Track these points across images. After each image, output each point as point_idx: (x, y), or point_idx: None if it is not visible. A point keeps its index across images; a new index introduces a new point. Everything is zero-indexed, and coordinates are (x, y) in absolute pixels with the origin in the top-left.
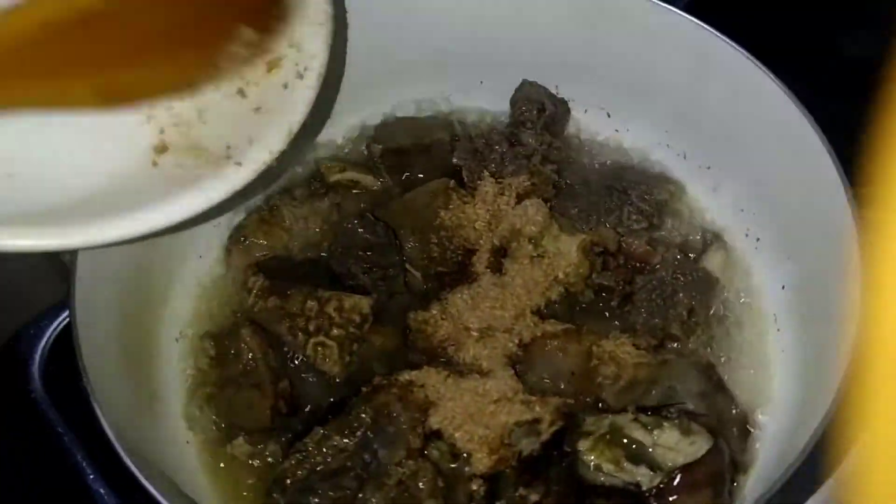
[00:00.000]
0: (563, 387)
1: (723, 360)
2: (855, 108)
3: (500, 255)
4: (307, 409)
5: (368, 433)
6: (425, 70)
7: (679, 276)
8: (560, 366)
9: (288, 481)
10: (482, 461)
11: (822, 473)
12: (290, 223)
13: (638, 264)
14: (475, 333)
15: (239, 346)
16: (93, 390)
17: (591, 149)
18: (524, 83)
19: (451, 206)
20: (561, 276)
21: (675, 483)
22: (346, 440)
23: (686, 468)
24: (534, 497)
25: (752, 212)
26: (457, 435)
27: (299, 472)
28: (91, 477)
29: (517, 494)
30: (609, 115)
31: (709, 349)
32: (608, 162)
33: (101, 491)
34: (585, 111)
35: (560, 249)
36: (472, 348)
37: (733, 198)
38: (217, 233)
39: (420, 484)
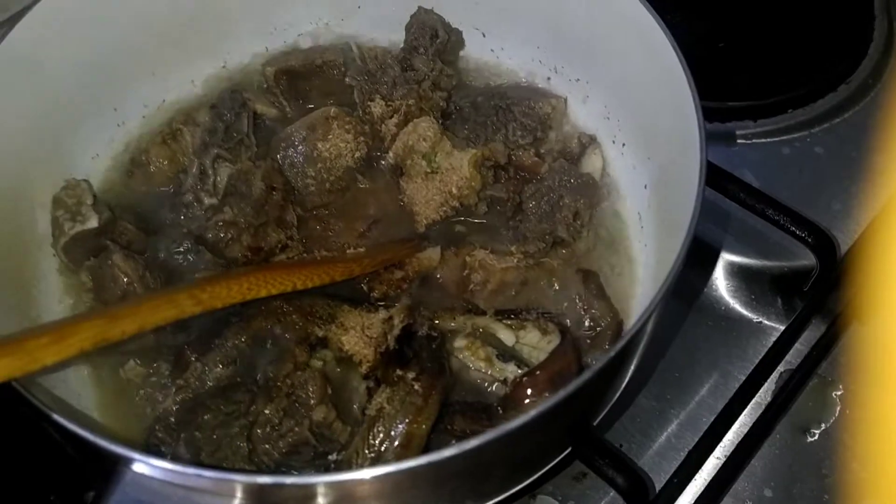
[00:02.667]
0: (441, 294)
1: (600, 262)
2: (712, 24)
3: (396, 174)
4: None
5: (250, 357)
6: None
7: (564, 182)
8: (443, 280)
9: (172, 419)
10: (368, 358)
11: None
12: (191, 147)
13: (527, 175)
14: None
15: (114, 273)
16: None
17: (479, 73)
18: (419, 10)
19: (329, 137)
20: (455, 190)
21: (519, 390)
22: (227, 370)
23: (528, 374)
24: (411, 374)
25: (618, 119)
26: (343, 339)
27: (180, 406)
28: None
29: (396, 375)
30: (484, 36)
31: (590, 254)
32: (495, 83)
33: None
34: (462, 33)
35: (453, 165)
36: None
37: (601, 107)
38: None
39: (309, 391)
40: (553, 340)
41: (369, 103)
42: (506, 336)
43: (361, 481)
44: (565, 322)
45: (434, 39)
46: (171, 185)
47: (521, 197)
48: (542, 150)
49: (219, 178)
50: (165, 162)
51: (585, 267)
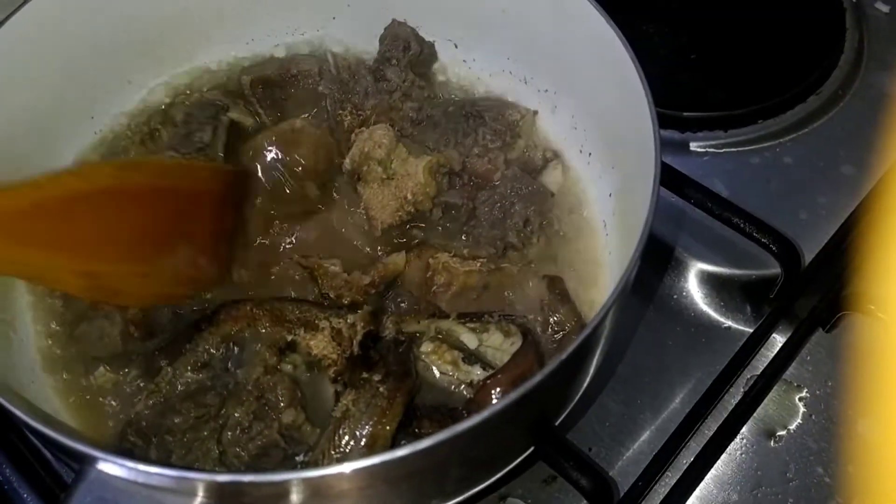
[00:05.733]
0: (408, 299)
1: (566, 268)
2: (685, 36)
3: (353, 179)
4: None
5: (220, 361)
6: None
7: (516, 189)
8: (405, 282)
9: (144, 423)
10: (335, 361)
11: None
12: (169, 149)
13: (481, 182)
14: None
15: None
16: None
17: (452, 82)
18: (393, 22)
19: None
20: (410, 196)
21: (483, 393)
22: (198, 374)
23: (491, 377)
24: (377, 377)
25: (584, 129)
26: (311, 343)
27: (150, 410)
28: None
29: (362, 378)
30: (456, 46)
31: (555, 260)
32: (467, 93)
33: None
34: (434, 42)
35: (408, 171)
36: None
37: (569, 117)
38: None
39: (279, 394)
40: (516, 342)
41: (340, 112)
42: (468, 339)
43: (320, 479)
44: (528, 324)
45: (406, 51)
46: None
47: (474, 203)
48: (510, 157)
49: None
50: None
51: (552, 272)
